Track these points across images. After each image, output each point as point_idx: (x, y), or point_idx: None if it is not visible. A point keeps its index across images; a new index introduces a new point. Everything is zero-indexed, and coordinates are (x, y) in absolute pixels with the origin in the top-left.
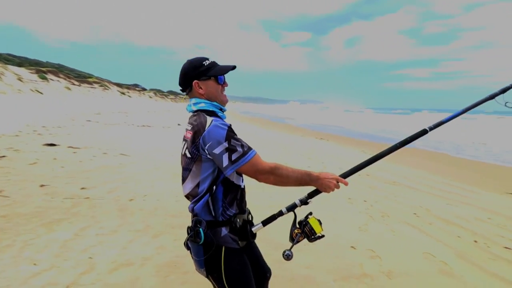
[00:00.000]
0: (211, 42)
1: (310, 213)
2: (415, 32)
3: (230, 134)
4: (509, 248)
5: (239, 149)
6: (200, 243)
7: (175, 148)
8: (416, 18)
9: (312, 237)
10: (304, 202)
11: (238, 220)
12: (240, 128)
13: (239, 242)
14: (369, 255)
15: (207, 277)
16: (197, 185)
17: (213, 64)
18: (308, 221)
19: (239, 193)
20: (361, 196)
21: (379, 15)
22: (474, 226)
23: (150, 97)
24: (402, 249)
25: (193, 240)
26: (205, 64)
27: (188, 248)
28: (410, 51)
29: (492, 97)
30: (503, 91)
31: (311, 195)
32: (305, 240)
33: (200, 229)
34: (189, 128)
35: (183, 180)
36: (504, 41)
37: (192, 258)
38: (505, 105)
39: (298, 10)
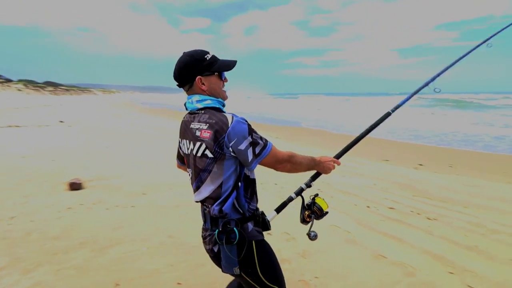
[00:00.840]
0: (98, 24)
1: (317, 194)
2: (304, 24)
3: (250, 128)
4: (392, 208)
5: (260, 141)
6: (235, 242)
7: (58, 150)
8: (304, 11)
9: (320, 214)
10: (308, 185)
11: (259, 212)
12: (145, 122)
13: (262, 233)
14: (285, 238)
15: (238, 275)
16: (220, 186)
17: (215, 58)
18: (315, 201)
19: (255, 186)
20: (271, 179)
21: (273, 5)
22: (365, 193)
23: (19, 90)
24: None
25: (226, 242)
26: (207, 59)
27: (213, 253)
28: (301, 41)
29: (426, 84)
30: (433, 79)
31: (314, 177)
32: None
33: (234, 228)
34: (204, 127)
35: (199, 183)
36: (371, 34)
37: (217, 260)
38: (434, 91)
39: None
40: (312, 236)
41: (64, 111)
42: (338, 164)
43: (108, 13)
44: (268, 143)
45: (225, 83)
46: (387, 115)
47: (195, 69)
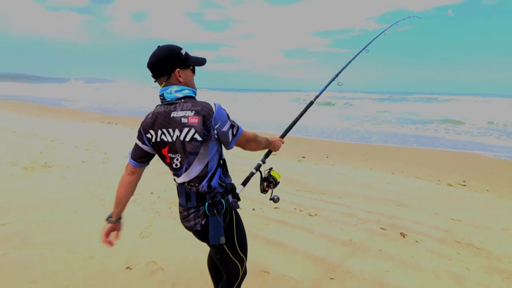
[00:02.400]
0: None
1: (271, 168)
2: (198, 16)
3: (228, 114)
4: (277, 208)
5: (235, 124)
6: (222, 212)
7: None
8: (197, 3)
9: (275, 183)
10: (263, 161)
11: (235, 186)
12: None
13: (238, 203)
14: (149, 271)
15: (220, 246)
16: (207, 165)
17: (188, 54)
18: (271, 174)
19: (226, 163)
20: (147, 188)
21: None
22: (251, 193)
23: None
24: (187, 247)
25: (215, 213)
26: (183, 54)
27: (200, 226)
28: (197, 34)
29: (333, 79)
30: (337, 75)
31: (267, 155)
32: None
33: (221, 199)
34: (191, 114)
35: (188, 165)
36: (260, 33)
37: (203, 234)
38: (338, 84)
39: None
40: (276, 199)
41: None
42: (283, 143)
43: None
44: (239, 125)
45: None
46: (311, 103)
47: (175, 62)
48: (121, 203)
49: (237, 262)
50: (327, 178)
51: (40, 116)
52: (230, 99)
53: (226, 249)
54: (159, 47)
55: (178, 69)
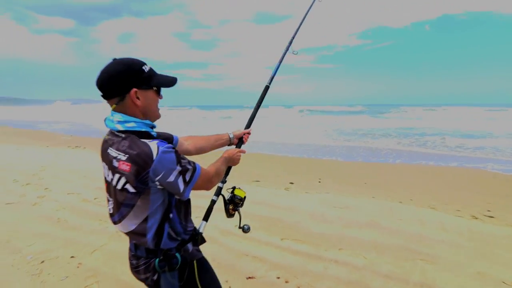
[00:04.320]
0: None
1: (234, 187)
2: (185, 36)
3: (178, 155)
4: (252, 277)
5: (189, 166)
6: (177, 267)
7: None
8: (184, 24)
9: (242, 203)
10: (224, 181)
11: (197, 231)
12: None
13: (200, 250)
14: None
15: None
16: (145, 220)
17: (153, 71)
18: (235, 194)
19: (189, 206)
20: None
21: (151, 14)
22: (215, 221)
23: None
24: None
25: (168, 269)
26: (146, 70)
27: (152, 282)
28: (184, 54)
29: (287, 48)
30: (290, 43)
31: (227, 172)
32: None
33: (176, 253)
34: (123, 158)
35: (121, 217)
36: (246, 52)
37: None
38: (293, 53)
39: None
40: (246, 229)
41: None
42: (244, 152)
43: None
44: (196, 165)
45: (159, 100)
46: (266, 88)
47: (131, 80)
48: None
49: None
50: (322, 215)
51: (3, 141)
52: (219, 117)
53: None
54: (114, 60)
55: (135, 89)
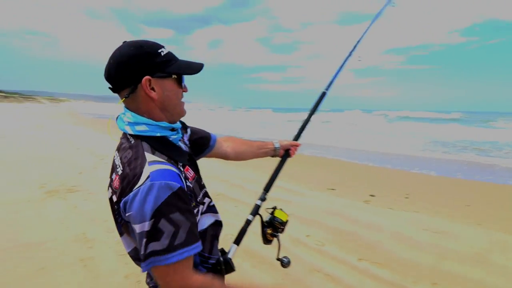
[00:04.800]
0: (48, 27)
1: (275, 207)
2: (267, 40)
3: (166, 208)
4: None
5: (164, 240)
6: None
7: None
8: (267, 29)
9: (282, 228)
10: (263, 199)
11: (221, 259)
12: (63, 136)
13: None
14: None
15: None
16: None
17: (172, 55)
18: (275, 215)
19: (219, 231)
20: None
21: (237, 22)
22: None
23: None
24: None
25: None
26: (162, 54)
27: None
28: (264, 57)
29: (350, 54)
30: (354, 47)
31: (267, 189)
32: None
33: None
34: (119, 171)
35: (119, 232)
36: (327, 54)
37: None
38: (358, 60)
39: (158, 5)
40: (285, 263)
41: None
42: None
43: (61, 16)
44: (179, 250)
45: (184, 93)
46: (323, 95)
47: (143, 66)
48: (250, 151)
49: None
50: (410, 238)
51: (113, 133)
52: (286, 120)
53: None
54: (124, 42)
55: (147, 77)
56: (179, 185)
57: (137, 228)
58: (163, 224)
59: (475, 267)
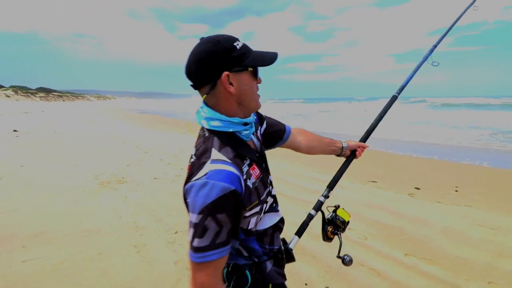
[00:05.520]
0: (94, 30)
1: (338, 206)
2: (301, 29)
3: (218, 207)
4: None
5: (207, 236)
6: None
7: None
8: (301, 17)
9: (344, 227)
10: (326, 196)
11: (282, 248)
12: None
13: (284, 273)
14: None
15: None
16: None
17: (247, 47)
18: (337, 214)
19: (281, 224)
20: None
21: (269, 12)
22: (320, 252)
23: (8, 96)
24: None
25: (234, 286)
26: (238, 47)
27: None
28: (298, 47)
29: (425, 58)
30: (431, 51)
31: (331, 186)
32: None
33: (247, 271)
34: (193, 153)
35: None
36: (365, 40)
37: None
38: (432, 64)
39: (193, 2)
40: (347, 261)
41: (37, 118)
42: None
43: (105, 19)
44: (212, 251)
45: (258, 84)
46: (394, 98)
47: (221, 62)
48: (321, 146)
49: None
50: (462, 233)
51: (155, 127)
52: (317, 111)
53: None
54: (201, 39)
55: (226, 73)
56: (233, 188)
57: (189, 215)
58: (209, 222)
59: None
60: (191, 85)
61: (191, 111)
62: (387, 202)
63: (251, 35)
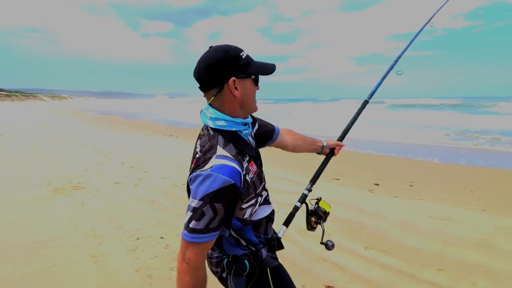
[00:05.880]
0: (48, 25)
1: (320, 198)
2: (268, 31)
3: (217, 197)
4: None
5: (203, 221)
6: (245, 274)
7: None
8: (267, 19)
9: (325, 217)
10: (309, 190)
11: (274, 236)
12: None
13: (276, 257)
14: None
15: None
16: None
17: (250, 58)
18: (319, 205)
19: (272, 216)
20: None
21: (236, 12)
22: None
23: None
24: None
25: (234, 273)
26: (243, 57)
27: (221, 277)
28: (266, 48)
29: (391, 68)
30: (395, 62)
31: (313, 181)
32: None
33: (245, 260)
34: (197, 150)
35: None
36: (329, 42)
37: (224, 283)
38: (397, 73)
39: None
40: (330, 246)
41: None
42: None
43: (59, 13)
44: (205, 235)
45: (256, 91)
46: (366, 103)
47: (230, 68)
48: (304, 146)
49: None
50: (416, 225)
51: (116, 129)
52: (277, 111)
53: None
54: (211, 47)
55: (233, 78)
56: (233, 182)
57: (189, 200)
58: (207, 209)
59: (480, 252)
60: (199, 87)
61: (157, 111)
62: (349, 198)
63: (218, 34)
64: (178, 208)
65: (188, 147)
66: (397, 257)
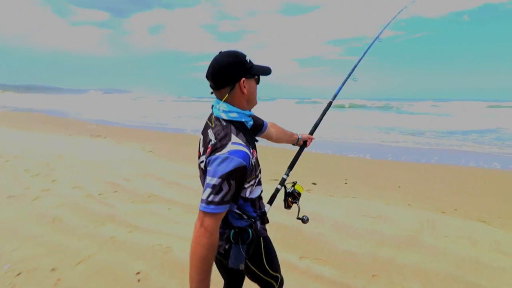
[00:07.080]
0: None
1: (295, 182)
2: (213, 28)
3: (232, 175)
4: None
5: (220, 195)
6: (248, 241)
7: None
8: (212, 16)
9: (299, 197)
10: (287, 174)
11: (265, 211)
12: None
13: (266, 228)
14: None
15: (248, 268)
16: None
17: (252, 62)
18: (295, 188)
19: (261, 197)
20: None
21: (179, 6)
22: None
23: None
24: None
25: (239, 242)
26: (248, 61)
27: (224, 250)
28: (211, 45)
29: (349, 75)
30: (352, 70)
31: (291, 167)
32: None
33: (249, 229)
34: (212, 138)
35: (202, 184)
36: (272, 43)
37: (224, 256)
38: (353, 80)
39: None
40: (305, 220)
41: None
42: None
43: None
44: (222, 206)
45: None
46: (330, 104)
47: (240, 70)
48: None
49: (270, 280)
50: (350, 226)
51: (34, 129)
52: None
53: (256, 271)
54: (221, 52)
55: (243, 79)
56: (244, 164)
57: (208, 179)
58: (224, 185)
59: (409, 251)
60: (212, 86)
61: (88, 108)
62: None
63: (161, 28)
64: (85, 226)
65: (118, 150)
66: (331, 266)
